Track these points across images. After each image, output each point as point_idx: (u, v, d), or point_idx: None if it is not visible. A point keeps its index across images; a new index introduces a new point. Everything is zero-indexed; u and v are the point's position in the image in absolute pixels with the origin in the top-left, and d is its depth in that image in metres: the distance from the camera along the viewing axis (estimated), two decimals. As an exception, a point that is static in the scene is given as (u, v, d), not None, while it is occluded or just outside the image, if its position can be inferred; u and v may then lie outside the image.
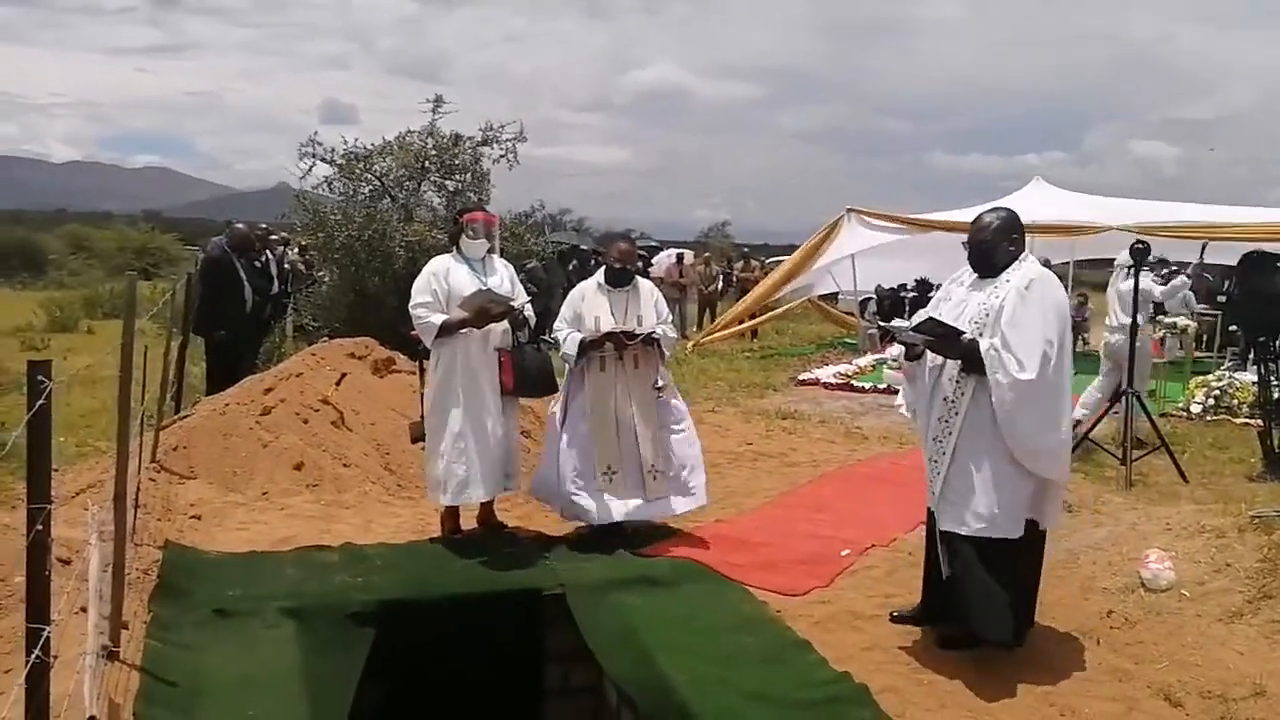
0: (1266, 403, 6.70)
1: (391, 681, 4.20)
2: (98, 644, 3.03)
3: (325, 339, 8.13)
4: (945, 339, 3.69)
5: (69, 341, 14.03)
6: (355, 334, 7.79)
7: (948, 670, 3.68)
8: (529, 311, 4.96)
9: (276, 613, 3.97)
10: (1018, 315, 3.60)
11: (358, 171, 9.93)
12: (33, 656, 2.23)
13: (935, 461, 3.78)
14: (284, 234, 12.16)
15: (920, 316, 3.99)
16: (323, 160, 9.79)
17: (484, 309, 4.73)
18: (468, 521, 5.10)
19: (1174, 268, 9.29)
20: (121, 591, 3.43)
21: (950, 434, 3.72)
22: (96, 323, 16.64)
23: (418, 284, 4.86)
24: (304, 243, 11.46)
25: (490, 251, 5.01)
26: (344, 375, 6.67)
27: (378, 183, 9.97)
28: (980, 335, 3.64)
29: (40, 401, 2.26)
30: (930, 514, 3.93)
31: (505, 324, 4.82)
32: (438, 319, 4.74)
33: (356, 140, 10.03)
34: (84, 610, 3.13)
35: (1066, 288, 8.86)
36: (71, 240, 31.76)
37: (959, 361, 3.70)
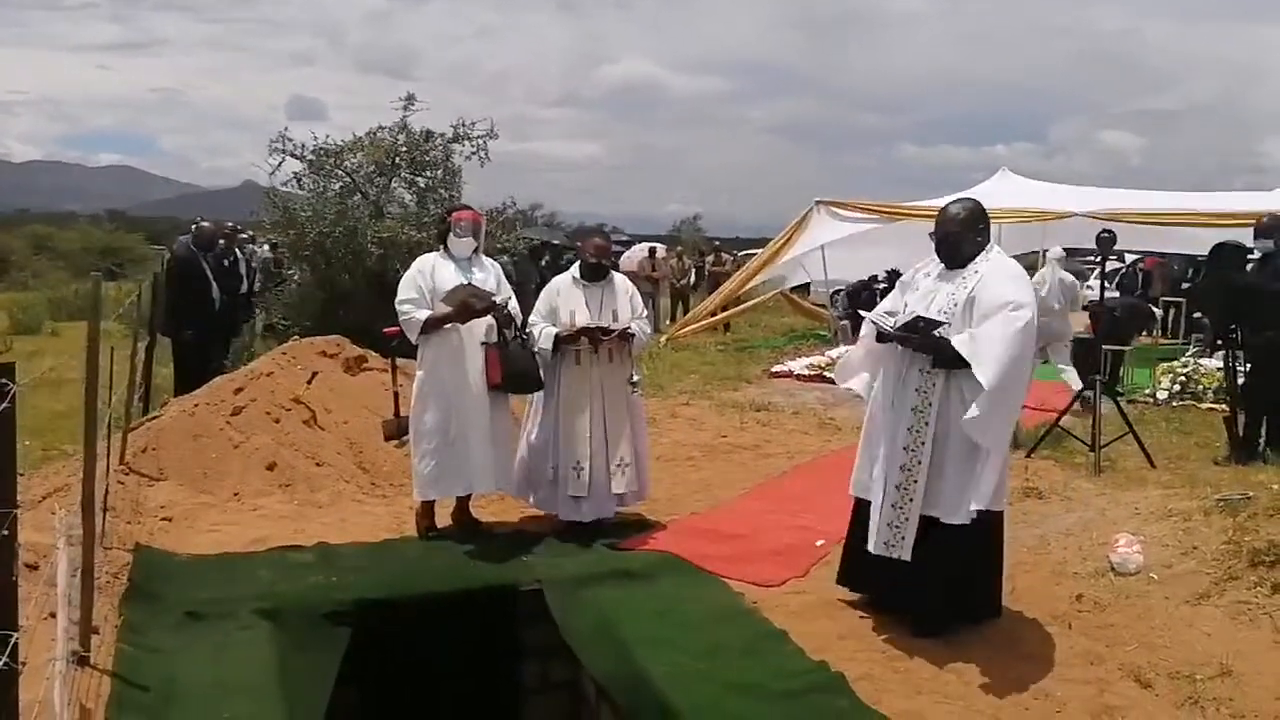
0: (1233, 389, 6.81)
1: (368, 681, 4.17)
2: (67, 649, 2.99)
3: (295, 337, 8.06)
4: (932, 339, 3.70)
5: (33, 344, 13.81)
6: (326, 332, 7.73)
7: (922, 656, 3.71)
8: (514, 307, 4.95)
9: (250, 614, 3.92)
10: (990, 305, 3.63)
11: (328, 167, 9.84)
12: (0, 662, 2.19)
13: (912, 450, 3.79)
14: (251, 232, 12.04)
15: (888, 306, 4.02)
16: (293, 156, 9.69)
17: (465, 303, 4.73)
18: (443, 519, 5.08)
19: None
20: (91, 596, 3.39)
21: (928, 424, 3.75)
22: (61, 324, 16.38)
23: (404, 281, 4.92)
24: (274, 239, 11.36)
25: (477, 250, 5.02)
26: (315, 374, 6.62)
27: (348, 179, 9.89)
28: (949, 325, 3.69)
29: (4, 405, 2.22)
30: (858, 501, 4.03)
31: (490, 319, 4.81)
32: (422, 314, 4.77)
33: (327, 136, 9.96)
34: (53, 615, 3.09)
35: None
36: (34, 241, 31.29)
37: (929, 356, 3.73)
